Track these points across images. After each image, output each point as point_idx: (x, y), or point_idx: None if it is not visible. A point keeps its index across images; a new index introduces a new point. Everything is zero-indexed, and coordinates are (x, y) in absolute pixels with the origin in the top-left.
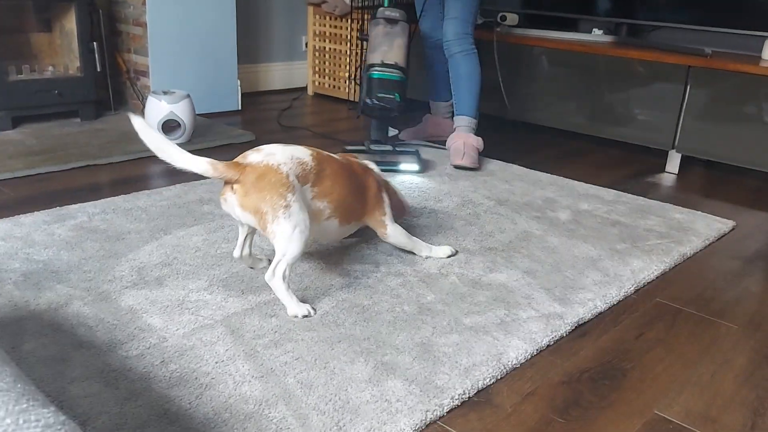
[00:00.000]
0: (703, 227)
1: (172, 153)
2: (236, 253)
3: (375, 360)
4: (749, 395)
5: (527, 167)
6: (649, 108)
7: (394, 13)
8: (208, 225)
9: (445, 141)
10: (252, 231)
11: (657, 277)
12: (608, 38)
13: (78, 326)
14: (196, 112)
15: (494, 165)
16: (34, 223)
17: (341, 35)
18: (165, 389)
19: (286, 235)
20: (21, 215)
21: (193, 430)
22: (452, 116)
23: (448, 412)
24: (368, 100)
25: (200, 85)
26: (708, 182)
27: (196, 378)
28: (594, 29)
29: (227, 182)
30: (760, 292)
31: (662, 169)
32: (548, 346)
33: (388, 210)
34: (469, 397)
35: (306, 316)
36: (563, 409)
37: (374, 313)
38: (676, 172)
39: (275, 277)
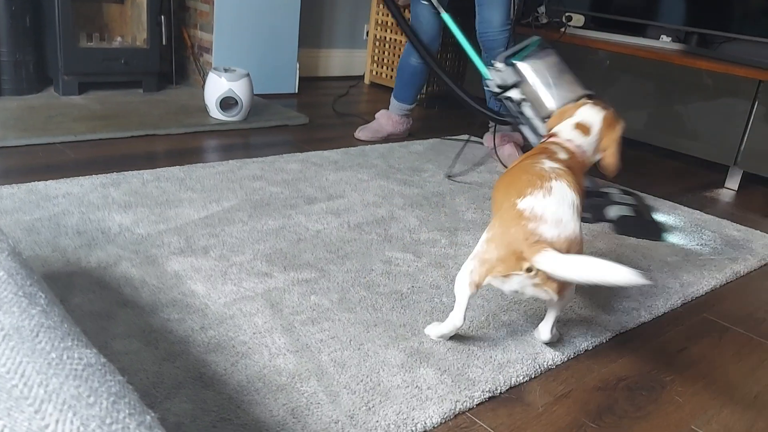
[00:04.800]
0: (760, 247)
1: None
2: (459, 322)
3: (409, 347)
4: None
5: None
6: (713, 121)
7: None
8: (257, 201)
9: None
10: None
11: (706, 293)
12: (676, 46)
13: (124, 286)
14: (255, 92)
15: None
16: (91, 184)
17: None
18: (202, 354)
19: (571, 295)
20: (80, 177)
21: (226, 396)
22: (408, 116)
23: (477, 405)
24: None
25: (260, 65)
26: (764, 200)
27: (233, 346)
28: (662, 36)
29: (517, 259)
30: None
31: (722, 185)
32: (587, 350)
33: None
34: (500, 393)
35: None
36: (596, 415)
37: (412, 301)
38: (736, 188)
39: (553, 335)
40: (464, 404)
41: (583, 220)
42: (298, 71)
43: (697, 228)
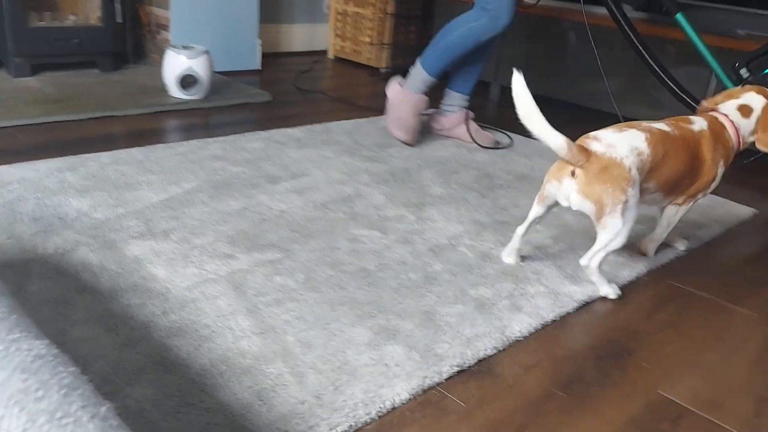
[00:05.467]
0: (723, 213)
1: (536, 121)
2: (521, 229)
3: (376, 324)
4: (758, 383)
5: None
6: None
7: None
8: (218, 181)
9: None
10: (544, 216)
11: (672, 260)
12: (638, 15)
13: (83, 272)
14: (215, 69)
15: (515, 140)
16: (47, 169)
17: None
18: (164, 338)
19: (616, 229)
20: (35, 161)
21: (189, 380)
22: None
23: (447, 380)
24: None
25: (220, 42)
26: (733, 169)
27: (196, 330)
28: (625, 5)
29: (569, 166)
30: None
31: None
32: (554, 321)
33: (708, 189)
34: (469, 366)
35: (617, 297)
36: (566, 384)
37: (379, 278)
38: None
39: (592, 265)
40: (433, 379)
41: None
42: (259, 47)
43: None
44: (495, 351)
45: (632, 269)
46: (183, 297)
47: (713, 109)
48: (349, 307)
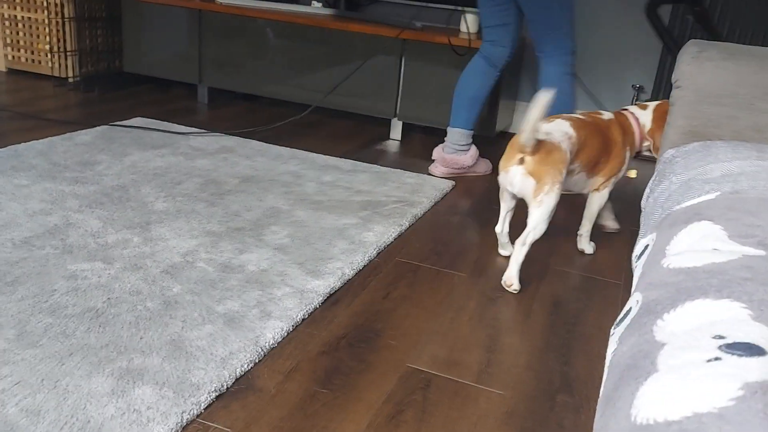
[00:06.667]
0: (429, 188)
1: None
2: (498, 228)
3: (117, 368)
4: (482, 335)
5: (266, 142)
6: (372, 79)
7: None
8: None
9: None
10: (512, 209)
11: (395, 239)
12: (328, 11)
13: None
14: None
15: (233, 141)
16: None
17: (35, 1)
18: None
19: (546, 210)
20: None
21: None
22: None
23: (207, 408)
24: None
25: None
26: (427, 146)
27: None
28: (313, 2)
29: (516, 156)
30: (478, 241)
31: (387, 137)
32: (304, 319)
33: (620, 173)
34: (227, 388)
35: (514, 291)
36: (325, 380)
37: (111, 315)
38: (400, 138)
39: (525, 245)
40: (192, 413)
41: None
42: None
43: (380, 180)
44: (252, 365)
45: (364, 254)
46: None
47: (623, 110)
48: (82, 356)
